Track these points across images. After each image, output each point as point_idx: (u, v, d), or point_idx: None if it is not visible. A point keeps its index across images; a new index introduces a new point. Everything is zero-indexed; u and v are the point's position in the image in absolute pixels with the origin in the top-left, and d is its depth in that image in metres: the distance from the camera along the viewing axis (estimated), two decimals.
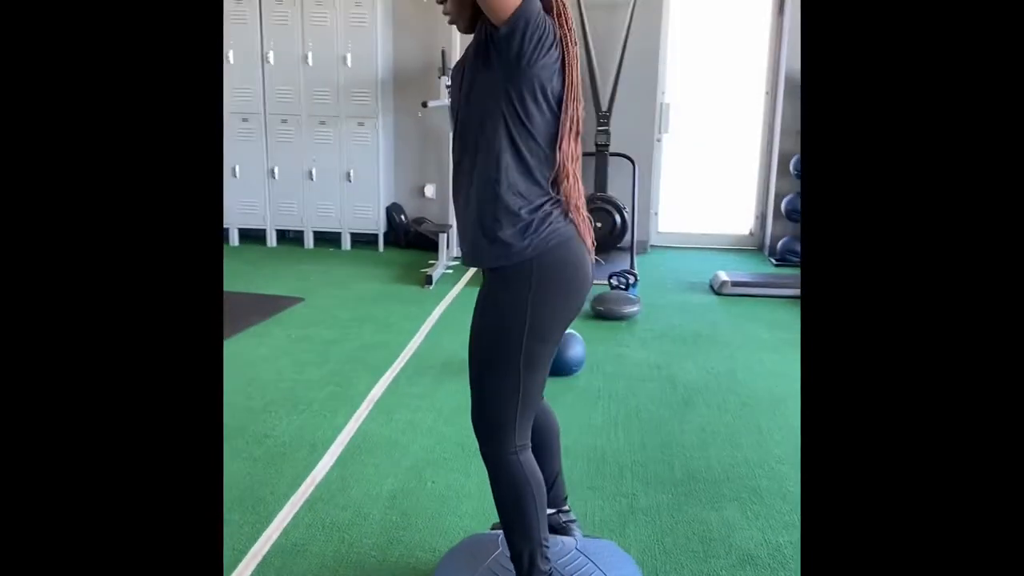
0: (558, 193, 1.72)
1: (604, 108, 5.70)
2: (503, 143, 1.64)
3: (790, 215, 5.84)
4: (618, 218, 5.66)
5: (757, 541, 2.26)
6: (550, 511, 2.07)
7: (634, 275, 4.78)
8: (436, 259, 5.37)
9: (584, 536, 2.09)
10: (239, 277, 5.06)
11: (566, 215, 1.72)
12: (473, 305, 1.78)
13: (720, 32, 6.06)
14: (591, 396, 3.32)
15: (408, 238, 5.99)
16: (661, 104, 6.08)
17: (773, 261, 5.85)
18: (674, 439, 2.92)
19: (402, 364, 3.64)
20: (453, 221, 5.15)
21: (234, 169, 5.89)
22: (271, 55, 5.69)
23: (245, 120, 5.82)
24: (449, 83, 1.49)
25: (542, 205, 1.69)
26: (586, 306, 2.85)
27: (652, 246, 6.28)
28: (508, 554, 1.79)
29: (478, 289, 1.81)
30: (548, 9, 1.64)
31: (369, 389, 3.33)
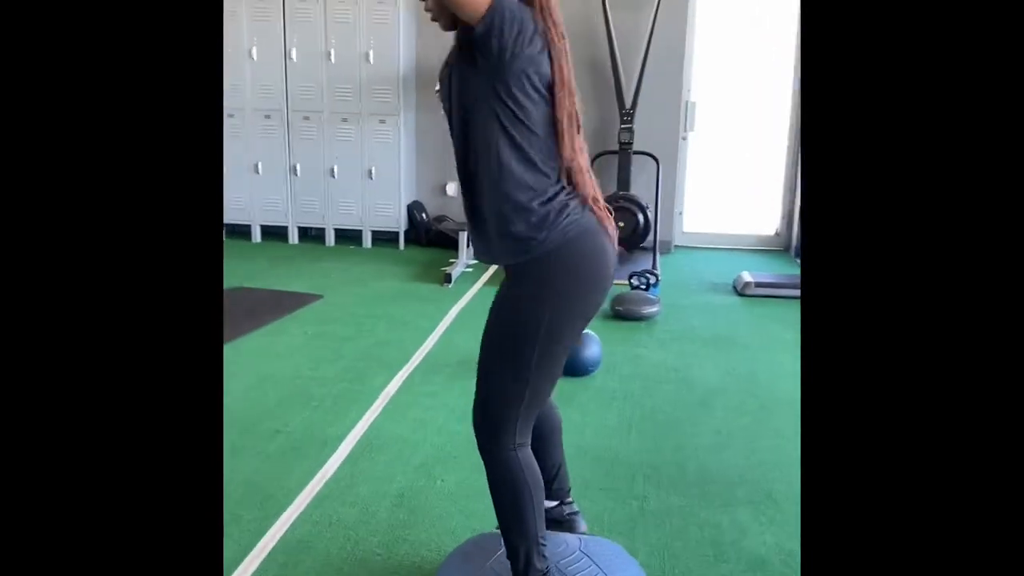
0: (572, 185, 1.68)
1: (628, 106, 5.64)
2: (500, 139, 1.61)
3: None
4: (641, 217, 5.60)
5: (769, 546, 2.21)
6: (552, 504, 2.04)
7: (655, 275, 4.72)
8: (456, 257, 5.36)
9: (589, 534, 2.05)
10: (259, 274, 5.08)
11: (583, 206, 1.68)
12: (488, 305, 1.76)
13: (747, 29, 5.99)
14: (606, 397, 3.28)
15: (429, 236, 5.97)
16: (686, 102, 6.01)
17: (799, 262, 5.76)
18: (689, 441, 2.87)
19: (417, 362, 3.62)
20: None
21: (256, 166, 5.92)
22: (294, 52, 5.70)
23: (267, 117, 5.84)
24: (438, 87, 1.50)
25: (555, 196, 1.65)
26: (605, 306, 2.81)
27: (676, 246, 6.22)
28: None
29: (497, 288, 1.78)
30: (529, 3, 1.61)
31: (383, 387, 3.31)
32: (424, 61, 5.93)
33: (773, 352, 3.86)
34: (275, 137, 5.88)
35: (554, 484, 2.05)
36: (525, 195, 1.63)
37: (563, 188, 1.66)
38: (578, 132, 1.68)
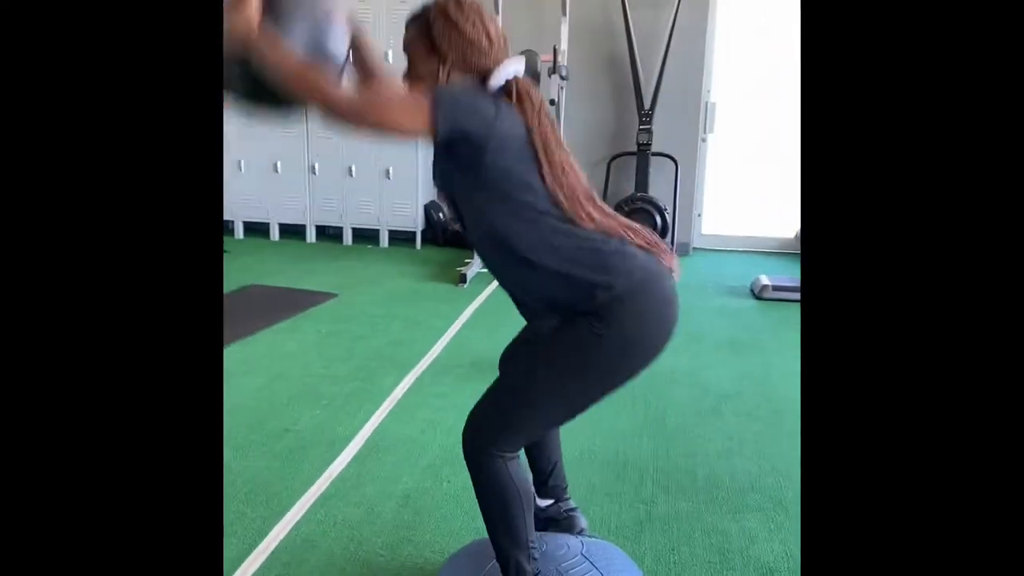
0: (600, 243, 1.58)
1: (647, 107, 5.61)
2: (504, 221, 1.56)
3: None
4: (659, 219, 5.57)
5: (777, 554, 2.18)
6: (548, 502, 2.02)
7: None
8: (472, 258, 5.35)
9: (592, 537, 2.03)
10: (276, 272, 5.11)
11: (624, 243, 1.59)
12: (502, 305, 1.72)
13: (769, 29, 5.92)
14: (617, 400, 3.21)
15: (446, 236, 5.98)
16: (706, 103, 5.97)
17: None
18: (699, 446, 2.84)
19: (428, 362, 3.62)
20: None
21: (275, 164, 5.95)
22: None
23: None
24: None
25: (595, 247, 1.56)
26: None
27: (695, 248, 6.17)
28: None
29: None
30: (508, 93, 1.57)
31: (393, 387, 3.31)
32: None
33: (788, 357, 3.81)
34: (295, 136, 5.91)
35: (550, 482, 2.03)
36: (553, 260, 1.56)
37: (600, 233, 1.58)
38: (576, 177, 1.61)
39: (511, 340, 1.91)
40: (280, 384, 3.31)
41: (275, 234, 6.12)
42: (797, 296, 4.77)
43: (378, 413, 3.05)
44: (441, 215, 6.01)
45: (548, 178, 1.55)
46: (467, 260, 5.33)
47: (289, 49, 1.51)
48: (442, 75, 1.59)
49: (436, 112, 1.46)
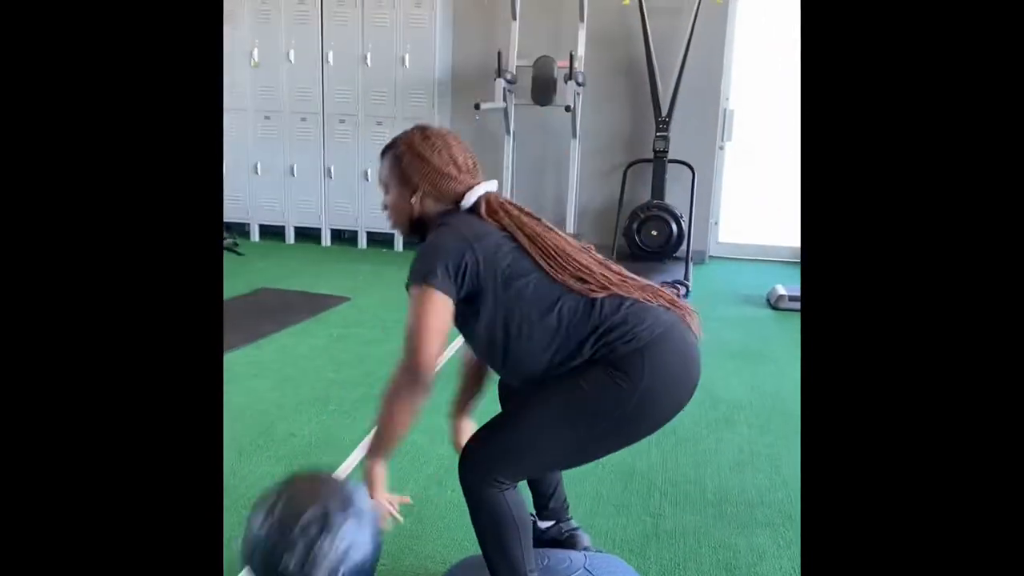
0: (619, 307, 1.60)
1: (664, 114, 5.57)
2: (504, 340, 1.64)
3: None
4: (674, 226, 5.52)
5: (786, 571, 2.13)
6: (549, 523, 1.99)
7: (686, 285, 4.64)
8: None
9: (596, 550, 2.00)
10: (290, 275, 5.11)
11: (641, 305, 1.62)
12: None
13: (788, 38, 5.86)
14: None
15: None
16: (725, 110, 5.92)
17: None
18: (710, 459, 2.80)
19: (438, 368, 3.58)
20: None
21: (291, 168, 5.96)
22: (331, 55, 5.73)
23: (303, 119, 5.88)
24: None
25: (615, 322, 1.58)
26: None
27: (711, 256, 6.12)
28: None
29: None
30: (475, 210, 1.66)
31: None
32: (460, 66, 5.92)
33: None
34: (310, 139, 5.92)
35: (551, 503, 2.00)
36: (556, 358, 1.60)
37: (596, 328, 1.58)
38: (564, 247, 1.66)
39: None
40: (288, 388, 3.29)
41: (290, 237, 6.13)
42: None
43: None
44: None
45: (551, 269, 1.61)
46: None
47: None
48: (416, 204, 1.70)
49: (438, 292, 1.58)
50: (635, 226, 5.52)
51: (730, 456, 2.82)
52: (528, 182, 6.03)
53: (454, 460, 2.67)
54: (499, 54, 5.31)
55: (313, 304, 4.48)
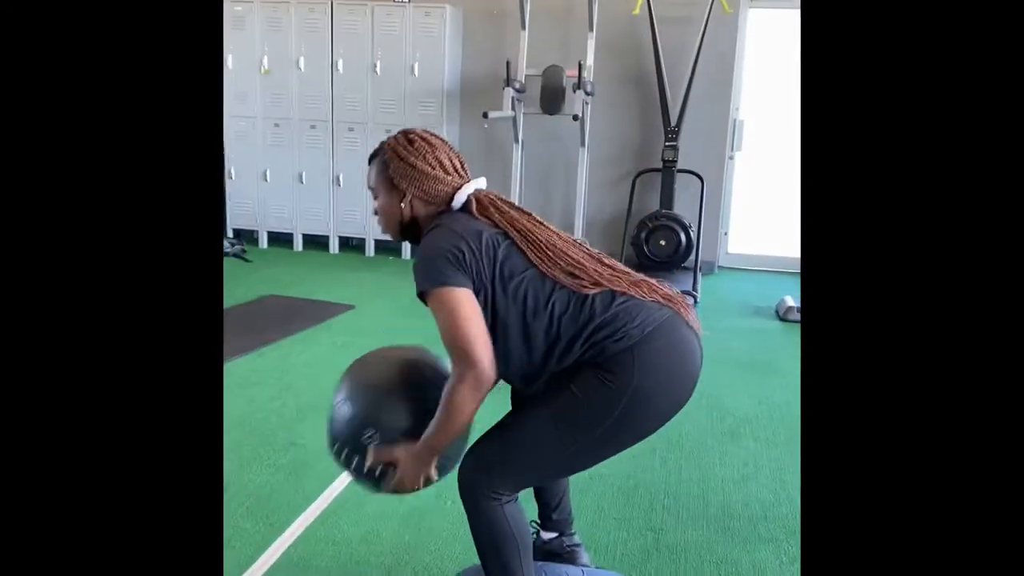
0: (611, 303, 1.58)
1: (673, 123, 5.54)
2: (504, 340, 1.60)
3: None
4: (683, 236, 5.48)
5: None
6: (552, 535, 1.96)
7: (694, 296, 4.61)
8: None
9: (594, 567, 1.97)
10: (297, 282, 5.10)
11: (636, 302, 1.59)
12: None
13: (799, 49, 5.83)
14: None
15: None
16: (735, 120, 5.88)
17: None
18: (714, 471, 2.76)
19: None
20: None
21: (300, 175, 5.97)
22: (341, 63, 5.74)
23: (313, 127, 5.89)
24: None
25: (605, 320, 1.56)
26: None
27: (720, 267, 6.08)
28: None
29: None
30: (467, 209, 1.67)
31: None
32: (469, 75, 5.91)
33: None
34: (320, 147, 5.92)
35: (555, 515, 1.97)
36: (571, 358, 1.58)
37: (593, 322, 1.56)
38: (556, 241, 1.65)
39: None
40: (290, 396, 3.28)
41: (299, 244, 6.13)
42: None
43: None
44: None
45: (542, 264, 1.59)
46: None
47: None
48: (405, 208, 1.69)
49: (456, 289, 1.55)
50: (643, 236, 5.49)
51: (735, 470, 2.78)
52: (536, 191, 6.01)
53: (454, 473, 2.66)
54: (508, 63, 5.30)
55: (318, 312, 4.47)
